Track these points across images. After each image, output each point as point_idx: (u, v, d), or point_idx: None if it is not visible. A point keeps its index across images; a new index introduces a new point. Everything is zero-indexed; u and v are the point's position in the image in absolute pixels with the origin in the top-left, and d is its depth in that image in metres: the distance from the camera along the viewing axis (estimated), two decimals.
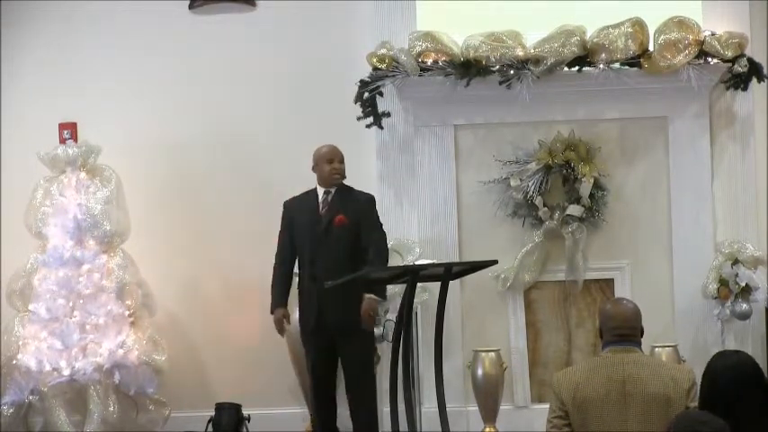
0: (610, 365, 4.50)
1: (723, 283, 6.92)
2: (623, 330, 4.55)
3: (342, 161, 6.42)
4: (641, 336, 4.63)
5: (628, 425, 4.41)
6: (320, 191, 6.43)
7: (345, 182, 6.46)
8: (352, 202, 6.37)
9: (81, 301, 6.82)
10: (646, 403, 4.41)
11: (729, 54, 6.96)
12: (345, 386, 6.36)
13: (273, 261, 6.50)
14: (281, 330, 6.41)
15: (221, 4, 7.47)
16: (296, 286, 6.49)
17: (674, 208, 7.18)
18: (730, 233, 7.14)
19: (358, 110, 7.06)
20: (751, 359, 4.20)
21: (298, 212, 6.45)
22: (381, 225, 6.43)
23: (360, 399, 6.31)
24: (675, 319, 7.14)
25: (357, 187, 6.46)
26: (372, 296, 6.22)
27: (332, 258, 6.24)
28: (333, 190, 6.39)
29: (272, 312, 6.39)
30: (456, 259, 6.99)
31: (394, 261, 6.93)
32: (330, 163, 6.40)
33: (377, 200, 6.51)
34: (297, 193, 6.52)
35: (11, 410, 6.87)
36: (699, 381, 4.30)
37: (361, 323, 6.20)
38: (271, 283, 6.46)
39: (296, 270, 6.49)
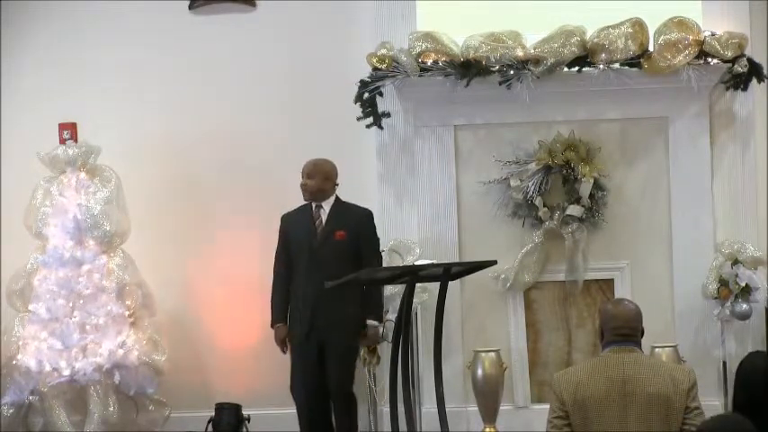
0: (610, 365, 4.50)
1: (723, 283, 6.92)
2: (624, 330, 4.56)
3: (309, 176, 6.41)
4: (641, 336, 4.65)
5: (628, 425, 4.41)
6: (313, 204, 6.45)
7: (342, 196, 6.47)
8: (350, 218, 6.39)
9: (81, 302, 6.82)
10: (646, 403, 4.41)
11: (729, 54, 6.95)
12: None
13: (273, 262, 6.54)
14: (284, 350, 6.49)
15: (221, 5, 7.46)
16: None
17: (674, 208, 7.17)
18: (730, 233, 7.13)
19: (358, 110, 7.05)
20: None
21: (293, 226, 6.48)
22: (378, 241, 6.48)
23: (341, 410, 6.41)
24: (675, 320, 7.13)
25: (358, 187, 6.49)
26: (374, 323, 6.37)
27: (329, 273, 6.15)
28: (324, 205, 6.41)
29: (272, 326, 6.47)
30: (456, 259, 6.98)
31: (394, 261, 6.94)
32: (302, 178, 6.45)
33: (377, 200, 6.50)
34: (297, 193, 6.52)
35: (11, 410, 6.86)
36: (700, 381, 4.30)
37: (346, 340, 6.34)
38: (271, 295, 6.51)
39: None
